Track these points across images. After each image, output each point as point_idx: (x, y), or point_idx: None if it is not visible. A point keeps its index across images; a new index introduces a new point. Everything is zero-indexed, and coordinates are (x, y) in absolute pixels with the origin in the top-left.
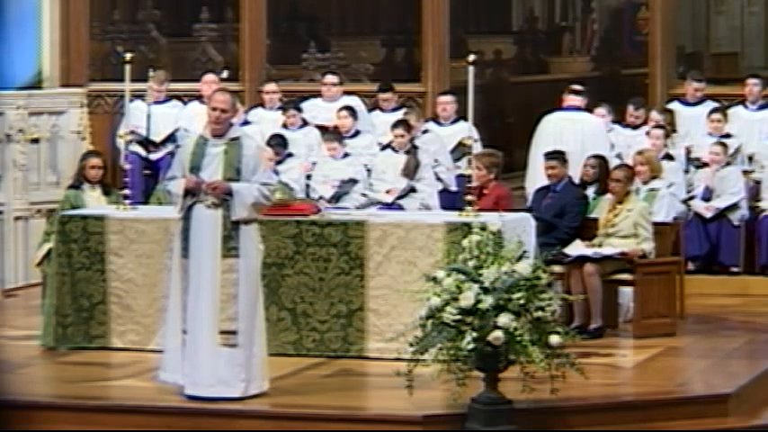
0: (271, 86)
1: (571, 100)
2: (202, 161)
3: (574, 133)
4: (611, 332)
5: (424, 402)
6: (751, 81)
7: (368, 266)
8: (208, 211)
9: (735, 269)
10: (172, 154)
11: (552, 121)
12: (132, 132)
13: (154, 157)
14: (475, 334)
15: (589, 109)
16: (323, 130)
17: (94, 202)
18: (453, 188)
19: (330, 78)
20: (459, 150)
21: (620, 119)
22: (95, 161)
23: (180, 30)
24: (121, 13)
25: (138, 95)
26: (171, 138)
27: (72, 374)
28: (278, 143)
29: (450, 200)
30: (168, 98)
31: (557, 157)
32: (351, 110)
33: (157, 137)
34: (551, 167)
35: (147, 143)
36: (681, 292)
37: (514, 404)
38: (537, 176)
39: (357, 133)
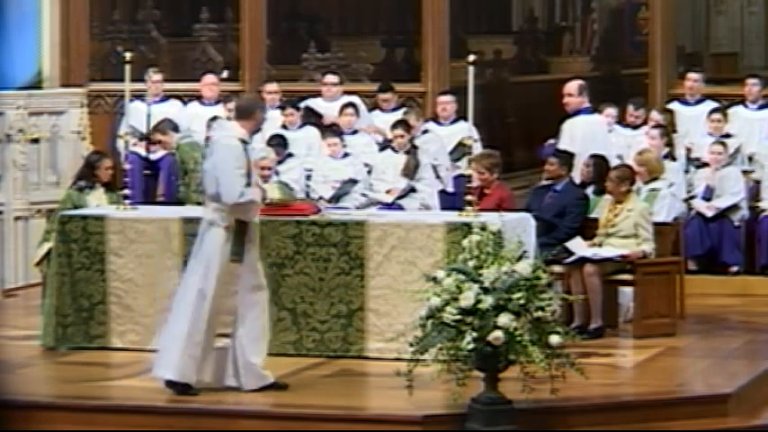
0: (272, 86)
1: (584, 101)
2: (249, 166)
3: (601, 134)
4: (611, 332)
5: (424, 402)
6: (750, 81)
7: (368, 266)
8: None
9: (735, 269)
10: (173, 154)
11: (579, 125)
12: (132, 127)
13: (154, 157)
14: (475, 334)
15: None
16: (322, 129)
17: (96, 201)
18: (450, 189)
19: (330, 78)
20: (459, 150)
21: (620, 119)
22: (108, 163)
23: (180, 30)
24: (121, 13)
25: (138, 95)
26: None
27: (72, 374)
28: (278, 143)
29: (446, 201)
30: (167, 97)
31: (561, 156)
32: (354, 107)
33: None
34: (551, 164)
35: (146, 140)
36: (681, 292)
37: (514, 404)
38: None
39: (356, 131)
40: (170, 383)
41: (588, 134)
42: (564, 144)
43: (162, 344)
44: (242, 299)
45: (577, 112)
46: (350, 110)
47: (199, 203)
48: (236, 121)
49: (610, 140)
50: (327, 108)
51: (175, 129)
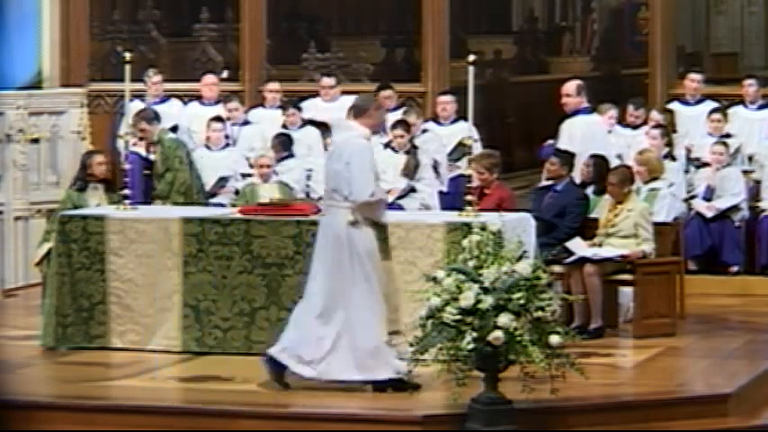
0: (273, 85)
1: (583, 101)
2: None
3: (600, 134)
4: (611, 332)
5: (424, 402)
6: (747, 82)
7: None
8: None
9: (735, 269)
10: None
11: (577, 125)
12: (133, 125)
13: (154, 156)
14: (475, 334)
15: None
16: (323, 128)
17: (96, 201)
18: (445, 189)
19: (327, 81)
20: (459, 150)
21: (620, 119)
22: (100, 158)
23: (180, 30)
24: (121, 13)
25: (138, 95)
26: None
27: (72, 374)
28: (281, 141)
29: (442, 201)
30: (167, 97)
31: (561, 156)
32: None
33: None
34: (552, 164)
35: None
36: (681, 292)
37: (514, 404)
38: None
39: None
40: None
41: (587, 134)
42: (562, 144)
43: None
44: None
45: (576, 113)
46: None
47: (185, 203)
48: (355, 121)
49: (609, 140)
50: (327, 109)
51: (157, 118)
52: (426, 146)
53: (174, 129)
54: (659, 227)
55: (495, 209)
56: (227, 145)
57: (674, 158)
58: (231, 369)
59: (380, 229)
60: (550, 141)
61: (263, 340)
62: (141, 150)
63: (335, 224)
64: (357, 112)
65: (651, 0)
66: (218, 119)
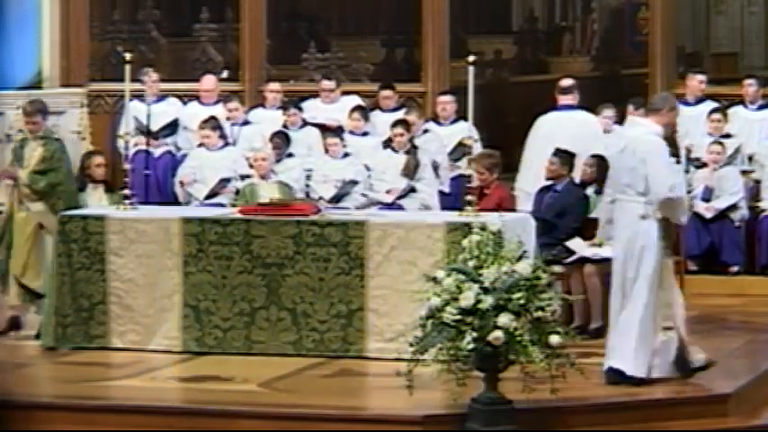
0: (274, 86)
1: (563, 99)
2: None
3: (568, 131)
4: None
5: (424, 402)
6: (747, 81)
7: (368, 266)
8: None
9: (735, 269)
10: (171, 153)
11: (546, 121)
12: (137, 120)
13: (155, 153)
14: (475, 334)
15: (588, 108)
16: (323, 129)
17: (96, 201)
18: (446, 189)
19: (326, 84)
20: (459, 150)
21: (620, 119)
22: (99, 159)
23: (180, 30)
24: (121, 13)
25: (138, 95)
26: (170, 131)
27: (72, 374)
28: (280, 139)
29: (442, 201)
30: (165, 96)
31: (561, 156)
32: (362, 110)
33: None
34: (552, 164)
35: (147, 133)
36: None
37: (514, 404)
38: (530, 177)
39: (366, 133)
40: (621, 375)
41: (547, 131)
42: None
43: (615, 337)
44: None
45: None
46: (357, 114)
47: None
48: (648, 117)
49: (603, 139)
50: (327, 110)
51: (48, 113)
52: (426, 146)
53: (174, 124)
54: None
55: (495, 209)
56: (226, 144)
57: (678, 161)
58: (231, 369)
59: (666, 228)
60: None
61: (263, 340)
62: (142, 145)
63: (626, 217)
64: (651, 109)
65: (651, 0)
66: (206, 122)
